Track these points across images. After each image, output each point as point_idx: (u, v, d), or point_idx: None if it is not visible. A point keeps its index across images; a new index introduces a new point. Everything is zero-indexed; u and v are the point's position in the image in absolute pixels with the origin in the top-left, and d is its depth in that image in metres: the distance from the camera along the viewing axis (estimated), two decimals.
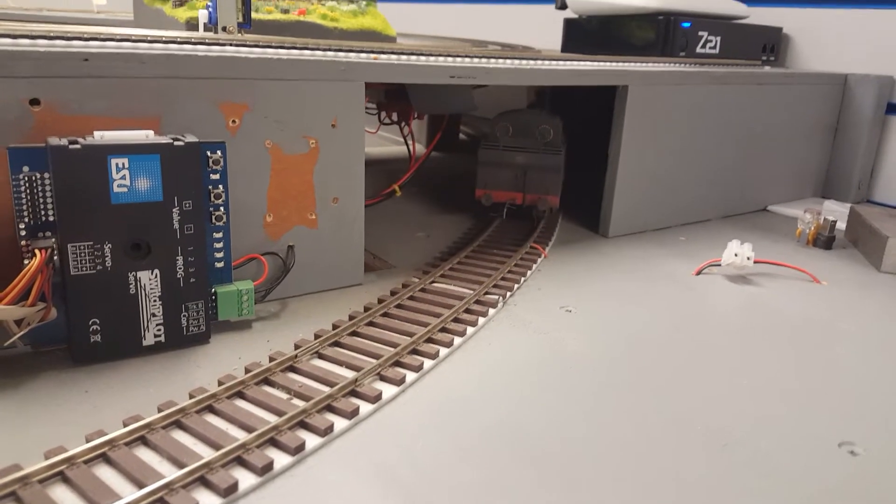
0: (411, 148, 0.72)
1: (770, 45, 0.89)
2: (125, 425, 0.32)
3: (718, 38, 0.82)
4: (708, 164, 0.73)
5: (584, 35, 0.88)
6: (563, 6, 0.91)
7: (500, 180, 0.68)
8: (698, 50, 0.81)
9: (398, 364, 0.40)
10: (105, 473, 0.30)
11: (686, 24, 0.79)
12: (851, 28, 0.86)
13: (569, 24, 0.91)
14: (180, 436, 0.32)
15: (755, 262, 0.57)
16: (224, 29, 0.57)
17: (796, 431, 0.36)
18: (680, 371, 0.42)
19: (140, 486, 0.29)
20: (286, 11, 0.79)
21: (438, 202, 0.81)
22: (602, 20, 0.85)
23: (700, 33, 0.80)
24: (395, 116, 0.73)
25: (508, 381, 0.40)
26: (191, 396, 0.35)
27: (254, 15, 0.65)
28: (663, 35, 0.79)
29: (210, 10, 0.58)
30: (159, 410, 0.33)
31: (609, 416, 0.37)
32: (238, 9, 0.57)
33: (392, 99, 0.68)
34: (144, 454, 0.31)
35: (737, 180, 0.76)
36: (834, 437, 0.35)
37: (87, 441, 0.31)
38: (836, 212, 0.73)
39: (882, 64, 0.83)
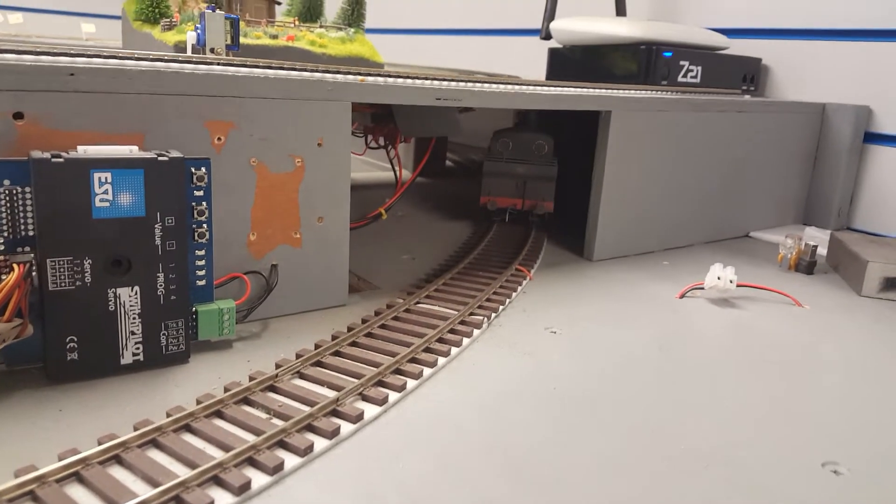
0: (397, 171, 0.72)
1: (750, 75, 0.91)
2: (100, 444, 0.31)
3: (699, 68, 0.84)
4: (691, 190, 0.73)
5: (567, 64, 0.90)
6: (548, 36, 0.92)
7: (503, 189, 0.76)
8: (679, 79, 0.82)
9: (381, 384, 0.40)
10: (77, 493, 0.29)
11: (668, 54, 0.80)
12: (828, 59, 0.88)
13: (553, 53, 0.92)
14: (156, 455, 0.32)
15: (738, 285, 0.57)
16: (212, 51, 0.58)
17: (779, 451, 0.36)
18: (665, 392, 0.42)
19: None
20: (275, 37, 0.80)
21: (424, 226, 0.81)
22: (585, 50, 0.87)
23: (681, 63, 0.82)
24: (381, 140, 0.73)
25: (493, 401, 0.39)
26: (168, 415, 0.34)
27: (242, 40, 0.65)
28: (645, 64, 0.80)
29: (198, 31, 0.58)
30: (135, 429, 0.33)
31: (595, 436, 0.36)
32: (226, 31, 0.58)
33: (379, 122, 0.69)
34: (119, 473, 0.30)
35: (719, 206, 0.77)
36: (817, 458, 0.35)
37: (60, 459, 0.30)
38: (817, 238, 0.74)
39: (859, 94, 0.85)
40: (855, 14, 0.85)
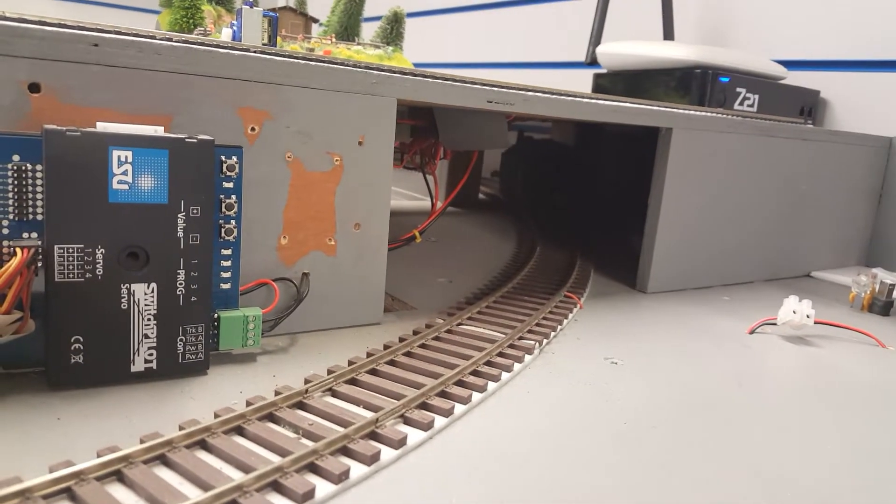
0: (434, 191, 0.67)
1: (807, 107, 0.86)
2: (99, 457, 0.26)
3: (756, 97, 0.80)
4: (752, 221, 0.68)
5: (613, 90, 0.86)
6: (594, 61, 0.89)
7: (517, 185, 1.00)
8: (736, 106, 0.78)
9: (425, 406, 0.34)
10: None
11: (725, 79, 0.76)
12: (893, 91, 0.83)
13: (598, 78, 0.88)
14: (164, 472, 0.27)
15: (815, 322, 0.52)
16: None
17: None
18: (754, 433, 0.36)
19: None
20: (311, 51, 0.77)
21: (460, 252, 0.76)
22: (634, 74, 0.83)
23: (738, 90, 0.78)
24: (417, 159, 0.69)
25: (554, 435, 0.34)
26: (181, 428, 0.29)
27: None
28: (700, 89, 0.76)
29: (234, 28, 0.55)
30: (141, 442, 0.28)
31: (682, 480, 0.31)
32: (264, 29, 0.54)
33: (418, 136, 0.64)
34: (118, 492, 0.25)
35: (780, 241, 0.72)
36: None
37: (51, 472, 0.25)
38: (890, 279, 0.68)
39: None
40: None
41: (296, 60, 0.41)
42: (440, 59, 1.51)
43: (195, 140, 0.34)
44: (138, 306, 0.34)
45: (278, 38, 0.74)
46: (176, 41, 0.37)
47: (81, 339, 0.33)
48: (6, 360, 0.34)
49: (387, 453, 0.30)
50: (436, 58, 1.51)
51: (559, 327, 0.49)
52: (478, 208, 1.08)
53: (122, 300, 0.34)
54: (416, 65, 0.88)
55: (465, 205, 1.06)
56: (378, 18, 0.90)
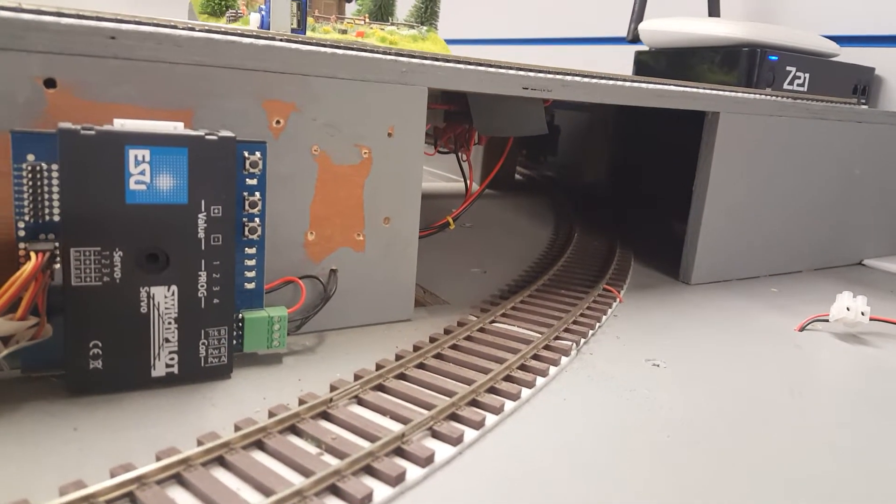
0: (468, 177, 0.65)
1: (862, 86, 0.81)
2: (112, 475, 0.25)
3: (807, 75, 0.75)
4: (801, 208, 0.64)
5: (656, 69, 0.82)
6: (636, 39, 0.85)
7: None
8: (785, 86, 0.74)
9: (454, 418, 0.33)
10: None
11: (774, 58, 0.72)
12: None
13: (640, 57, 0.85)
14: (178, 494, 0.26)
15: (871, 319, 0.48)
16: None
17: None
18: (814, 451, 0.33)
19: None
20: (344, 32, 0.75)
21: (495, 238, 0.74)
22: (678, 52, 0.79)
23: (788, 68, 0.73)
24: (452, 143, 0.67)
25: (592, 448, 0.32)
26: (199, 443, 0.28)
27: (310, 34, 0.60)
28: (748, 67, 0.72)
29: (263, 14, 0.53)
30: (157, 459, 0.27)
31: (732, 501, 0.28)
32: (293, 13, 0.52)
33: (451, 121, 0.62)
34: None
35: (831, 228, 0.68)
36: None
37: (61, 494, 0.24)
38: None
39: None
40: None
41: (323, 49, 0.39)
42: (476, 36, 1.47)
43: (216, 137, 0.33)
44: (158, 310, 0.33)
45: (311, 20, 0.72)
46: (197, 31, 0.35)
47: (100, 345, 0.32)
48: (26, 364, 0.33)
49: (413, 472, 0.28)
50: (472, 34, 1.47)
51: (598, 325, 0.47)
52: (514, 190, 1.05)
53: (142, 304, 0.33)
54: (450, 42, 0.85)
55: (502, 187, 1.03)
56: None
